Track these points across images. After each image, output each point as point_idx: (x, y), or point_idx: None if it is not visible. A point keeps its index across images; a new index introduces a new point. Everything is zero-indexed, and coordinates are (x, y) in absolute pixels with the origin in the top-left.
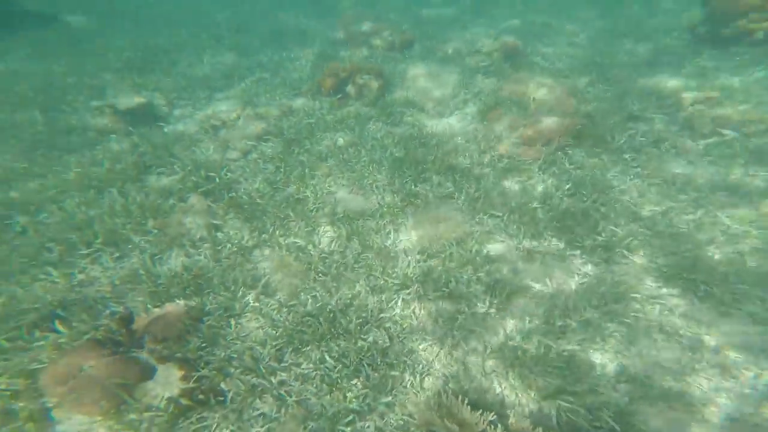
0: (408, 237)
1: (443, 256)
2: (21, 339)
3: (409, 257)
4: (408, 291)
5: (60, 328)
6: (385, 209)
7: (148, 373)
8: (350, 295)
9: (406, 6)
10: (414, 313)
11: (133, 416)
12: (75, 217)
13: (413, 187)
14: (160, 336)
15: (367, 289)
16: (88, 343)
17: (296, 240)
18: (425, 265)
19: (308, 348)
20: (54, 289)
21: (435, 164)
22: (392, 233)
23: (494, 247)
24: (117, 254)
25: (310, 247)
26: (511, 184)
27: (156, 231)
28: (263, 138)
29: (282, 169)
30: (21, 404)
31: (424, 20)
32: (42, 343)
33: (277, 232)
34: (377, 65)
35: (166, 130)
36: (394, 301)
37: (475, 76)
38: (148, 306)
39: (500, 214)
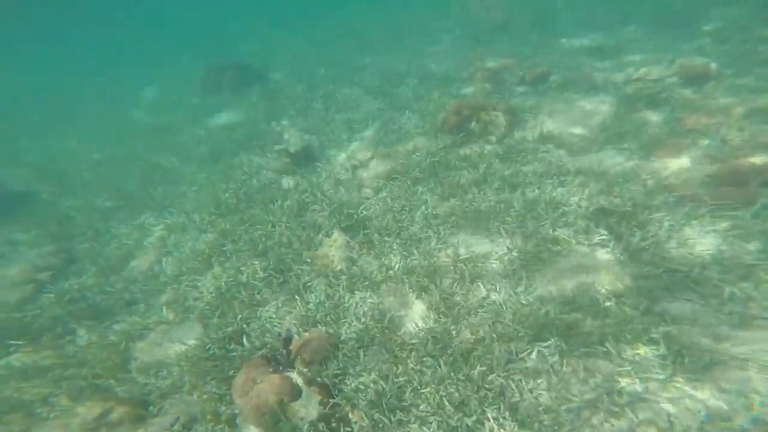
0: (544, 287)
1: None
2: (224, 349)
3: (547, 307)
4: (546, 344)
5: (246, 342)
6: (514, 254)
7: (297, 393)
8: (473, 340)
9: (541, 40)
10: (552, 369)
11: None
12: (257, 247)
13: (551, 231)
14: (308, 359)
15: (492, 335)
16: (260, 359)
17: (419, 279)
18: (568, 318)
19: (427, 390)
20: (242, 306)
21: (579, 205)
22: (524, 280)
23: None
24: (281, 280)
25: (432, 286)
26: (700, 235)
27: (309, 261)
28: (391, 177)
29: (407, 208)
30: (223, 408)
31: (566, 51)
32: (234, 354)
33: (400, 269)
34: (504, 101)
35: (318, 169)
36: (527, 352)
37: (635, 106)
38: (299, 330)
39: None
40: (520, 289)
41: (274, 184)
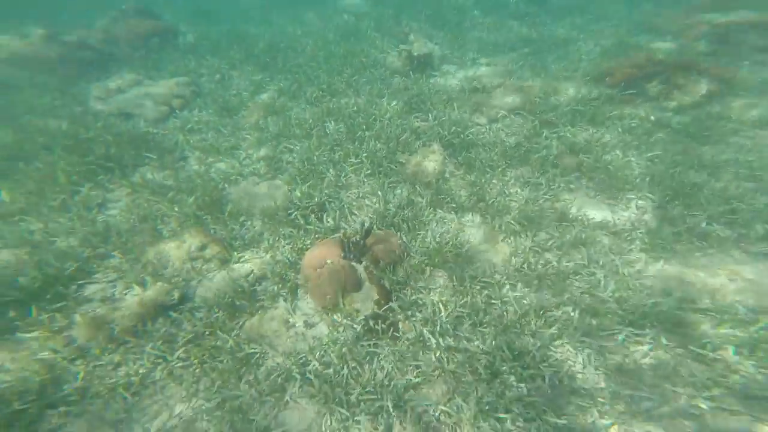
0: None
1: None
2: (302, 222)
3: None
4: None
5: (326, 220)
6: (640, 232)
7: (358, 285)
8: (555, 302)
9: None
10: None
11: (336, 317)
12: (355, 134)
13: (704, 225)
14: (378, 257)
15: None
16: (335, 241)
17: (511, 222)
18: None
19: (486, 330)
20: (329, 183)
21: None
22: (644, 262)
23: None
24: (369, 171)
25: (526, 233)
26: None
27: (401, 162)
28: (515, 111)
29: (524, 147)
30: (291, 274)
31: None
32: (311, 227)
33: (495, 204)
34: (720, 67)
35: (431, 81)
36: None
37: None
38: (375, 226)
39: None
40: (632, 269)
41: (386, 80)
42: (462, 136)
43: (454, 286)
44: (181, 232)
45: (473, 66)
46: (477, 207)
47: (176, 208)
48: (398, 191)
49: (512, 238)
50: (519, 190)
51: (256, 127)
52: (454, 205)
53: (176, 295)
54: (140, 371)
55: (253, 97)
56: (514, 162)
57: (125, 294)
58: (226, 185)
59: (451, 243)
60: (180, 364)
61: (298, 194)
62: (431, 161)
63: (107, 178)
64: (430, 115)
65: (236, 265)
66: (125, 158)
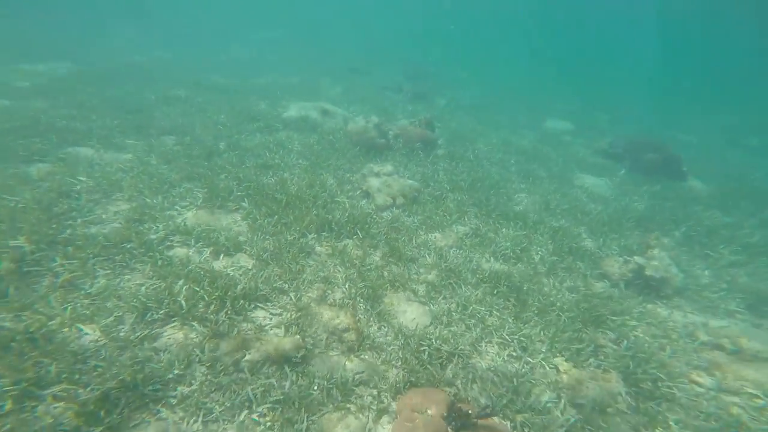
0: None
1: None
2: (426, 359)
3: None
4: None
5: (447, 372)
6: None
7: None
8: None
9: None
10: None
11: None
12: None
13: None
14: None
15: None
16: (443, 394)
17: None
18: None
19: None
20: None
21: None
22: None
23: None
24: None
25: None
26: None
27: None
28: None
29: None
30: (388, 398)
31: None
32: (428, 369)
33: None
34: None
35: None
36: None
37: None
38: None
39: None
40: None
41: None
42: (661, 387)
43: None
44: (341, 306)
45: (729, 318)
46: None
47: (347, 285)
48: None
49: None
50: None
51: (438, 251)
52: None
53: (300, 354)
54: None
55: (451, 225)
56: None
57: (271, 330)
58: (388, 287)
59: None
60: (249, 422)
61: (438, 333)
62: (595, 388)
63: (322, 237)
64: (625, 342)
65: (354, 357)
66: (347, 228)
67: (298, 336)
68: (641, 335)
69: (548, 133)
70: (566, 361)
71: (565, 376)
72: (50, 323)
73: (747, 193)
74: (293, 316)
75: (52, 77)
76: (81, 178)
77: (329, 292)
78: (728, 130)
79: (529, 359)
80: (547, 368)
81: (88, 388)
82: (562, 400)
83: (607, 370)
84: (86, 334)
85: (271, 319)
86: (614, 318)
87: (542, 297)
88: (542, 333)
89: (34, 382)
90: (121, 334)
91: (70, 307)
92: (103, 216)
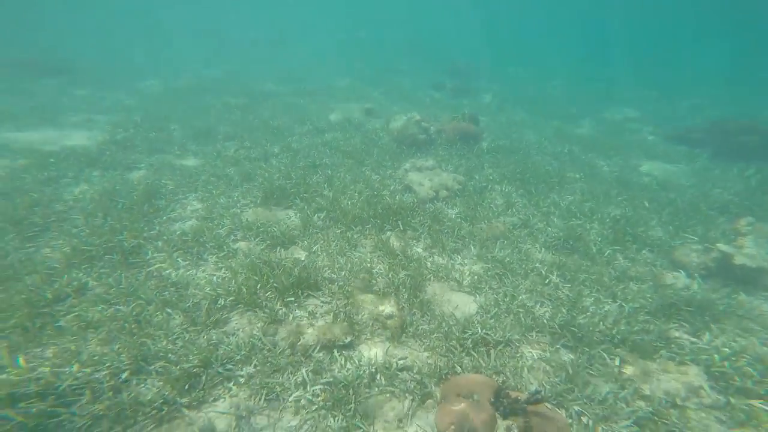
0: None
1: None
2: (471, 346)
3: None
4: None
5: (494, 359)
6: None
7: None
8: None
9: None
10: None
11: None
12: None
13: None
14: (530, 429)
15: None
16: (491, 381)
17: None
18: None
19: None
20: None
21: None
22: None
23: None
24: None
25: None
26: None
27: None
28: None
29: None
30: (431, 383)
31: None
32: (474, 356)
33: None
34: None
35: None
36: None
37: None
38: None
39: None
40: None
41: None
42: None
43: None
44: (383, 294)
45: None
46: None
47: (391, 274)
48: None
49: None
50: None
51: (485, 243)
52: None
53: (348, 339)
54: (284, 384)
55: (498, 217)
56: None
57: (322, 318)
58: (431, 277)
59: None
60: (304, 401)
61: (483, 321)
62: (668, 381)
63: (366, 230)
64: (708, 334)
65: (398, 344)
66: (390, 221)
67: (346, 323)
68: (730, 328)
69: (609, 121)
70: (631, 352)
71: (629, 369)
72: (148, 308)
73: None
74: (341, 304)
75: (148, 93)
76: (166, 182)
77: (373, 281)
78: None
79: (586, 349)
80: (607, 359)
81: (177, 366)
82: (625, 391)
83: (684, 362)
84: (173, 318)
85: (321, 306)
86: (690, 309)
87: (601, 287)
88: (601, 323)
89: (143, 359)
90: (199, 318)
91: (159, 294)
92: (183, 214)
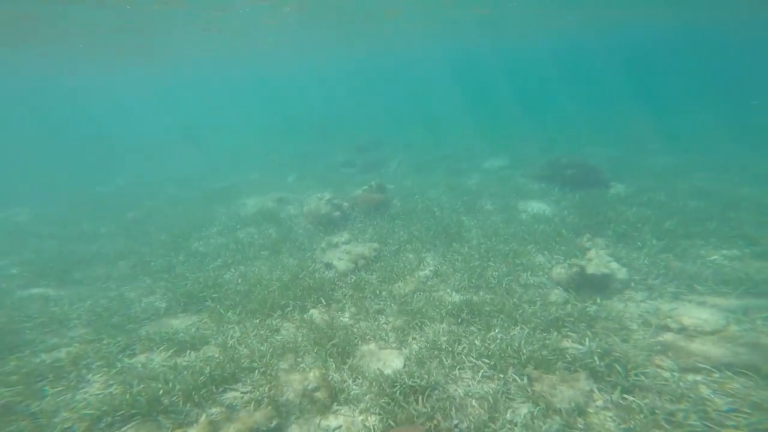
0: None
1: None
2: (401, 398)
3: None
4: None
5: (425, 406)
6: None
7: None
8: None
9: None
10: None
11: None
12: None
13: None
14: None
15: None
16: (420, 429)
17: None
18: None
19: None
20: (442, 370)
21: None
22: None
23: None
24: (486, 375)
25: None
26: None
27: (533, 380)
28: (733, 368)
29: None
30: None
31: None
32: (407, 407)
33: None
34: None
35: (603, 303)
36: None
37: None
38: None
39: None
40: None
41: (543, 290)
42: (630, 377)
43: None
44: (309, 369)
45: (675, 300)
46: None
47: (316, 350)
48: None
49: None
50: None
51: (402, 299)
52: None
53: (274, 423)
54: None
55: (412, 273)
56: None
57: (243, 408)
58: (359, 341)
59: None
60: None
61: (409, 372)
62: (568, 390)
63: (287, 313)
64: (586, 340)
65: (331, 416)
66: (311, 299)
67: (270, 407)
68: (601, 331)
69: (489, 171)
70: (535, 368)
71: (537, 385)
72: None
73: (660, 187)
74: (264, 390)
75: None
76: (35, 315)
77: (299, 359)
78: (638, 140)
79: (501, 375)
80: (519, 381)
81: None
82: (537, 409)
83: (576, 369)
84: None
85: (242, 397)
86: (571, 320)
87: (504, 316)
88: (509, 348)
89: None
90: None
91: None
92: (59, 342)
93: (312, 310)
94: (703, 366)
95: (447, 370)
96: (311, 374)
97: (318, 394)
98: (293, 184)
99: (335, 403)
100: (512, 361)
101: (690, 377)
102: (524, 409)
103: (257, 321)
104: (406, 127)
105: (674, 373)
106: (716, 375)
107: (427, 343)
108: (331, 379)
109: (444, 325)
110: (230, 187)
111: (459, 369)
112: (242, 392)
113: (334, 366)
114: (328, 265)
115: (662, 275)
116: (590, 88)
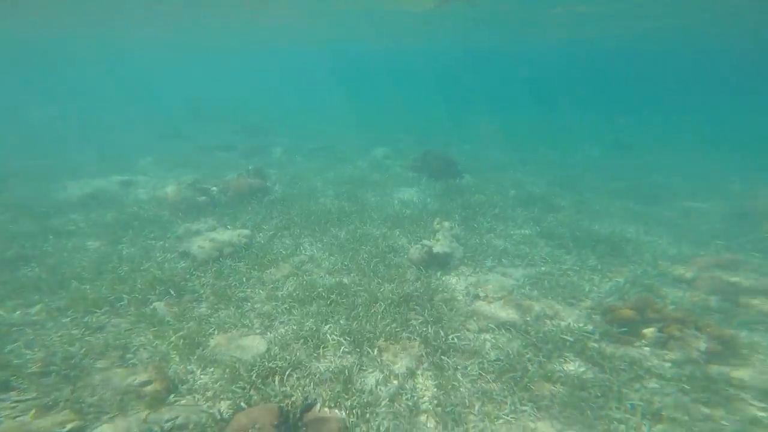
0: None
1: None
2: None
3: None
4: None
5: (284, 386)
6: None
7: None
8: None
9: None
10: None
11: None
12: None
13: None
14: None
15: None
16: (270, 408)
17: None
18: None
19: None
20: (305, 350)
21: None
22: None
23: None
24: (347, 350)
25: None
26: None
27: (378, 348)
28: (507, 325)
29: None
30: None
31: None
32: (264, 389)
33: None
34: (719, 327)
35: (444, 279)
36: None
37: None
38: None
39: None
40: None
41: (402, 269)
42: (448, 339)
43: None
44: (141, 364)
45: (489, 272)
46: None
47: (156, 342)
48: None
49: None
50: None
51: (275, 285)
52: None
53: (71, 426)
54: None
55: (288, 258)
56: (490, 376)
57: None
58: (215, 330)
59: None
60: None
61: (271, 354)
62: (405, 357)
63: (119, 308)
64: (425, 311)
65: (166, 408)
66: (155, 292)
67: (68, 410)
68: (437, 303)
69: (374, 160)
70: (385, 340)
71: (385, 355)
72: None
73: (495, 179)
74: (61, 394)
75: None
76: None
77: (130, 355)
78: (487, 137)
79: (358, 350)
80: (371, 353)
81: None
82: (381, 377)
83: (413, 338)
84: None
85: (24, 402)
86: (417, 294)
87: (368, 295)
88: (368, 325)
89: None
90: None
91: None
92: None
93: (156, 303)
94: (491, 326)
95: (311, 349)
96: (141, 369)
97: (148, 388)
98: (147, 166)
99: (173, 395)
100: (368, 335)
101: (482, 336)
102: (372, 379)
103: (67, 320)
104: (296, 119)
105: (475, 334)
106: (497, 332)
107: (295, 325)
108: (172, 371)
109: (314, 307)
110: (47, 165)
111: (323, 348)
112: (15, 401)
113: (177, 359)
114: (185, 254)
115: (485, 252)
116: (460, 91)
